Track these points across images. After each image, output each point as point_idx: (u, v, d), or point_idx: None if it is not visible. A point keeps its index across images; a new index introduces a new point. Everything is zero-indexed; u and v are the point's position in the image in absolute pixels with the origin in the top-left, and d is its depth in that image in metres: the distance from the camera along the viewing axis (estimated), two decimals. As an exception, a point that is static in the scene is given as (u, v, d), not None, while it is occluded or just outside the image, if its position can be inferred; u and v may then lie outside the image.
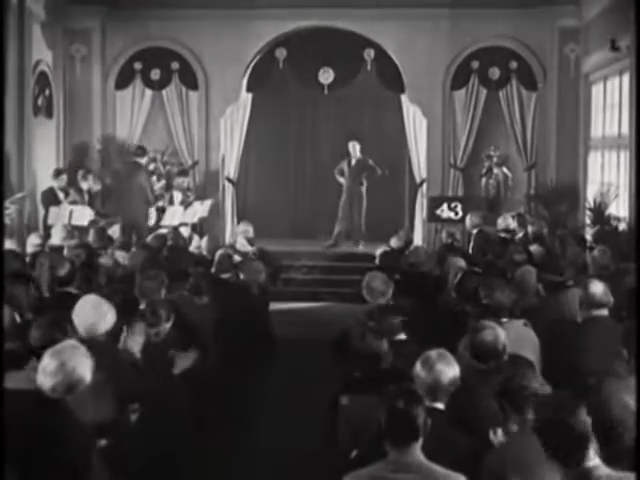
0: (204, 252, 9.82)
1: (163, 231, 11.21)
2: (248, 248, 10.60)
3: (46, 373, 3.95)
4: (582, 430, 3.15)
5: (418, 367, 4.30)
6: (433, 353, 4.36)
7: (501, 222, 11.53)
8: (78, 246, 8.87)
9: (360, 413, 4.44)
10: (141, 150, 13.49)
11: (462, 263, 7.84)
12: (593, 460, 3.19)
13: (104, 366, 4.74)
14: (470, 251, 10.98)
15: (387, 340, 5.07)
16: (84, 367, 4.01)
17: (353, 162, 15.12)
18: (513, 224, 11.44)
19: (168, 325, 5.96)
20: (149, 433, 5.04)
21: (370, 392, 4.40)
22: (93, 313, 5.20)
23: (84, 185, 12.82)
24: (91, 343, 4.81)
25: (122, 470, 4.59)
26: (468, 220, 11.87)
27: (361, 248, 14.69)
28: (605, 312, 5.83)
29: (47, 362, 3.99)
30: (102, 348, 4.97)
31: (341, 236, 15.15)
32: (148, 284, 6.63)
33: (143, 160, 13.44)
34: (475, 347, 4.72)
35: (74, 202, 12.25)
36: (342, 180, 15.20)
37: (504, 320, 5.55)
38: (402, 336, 5.46)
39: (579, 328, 5.83)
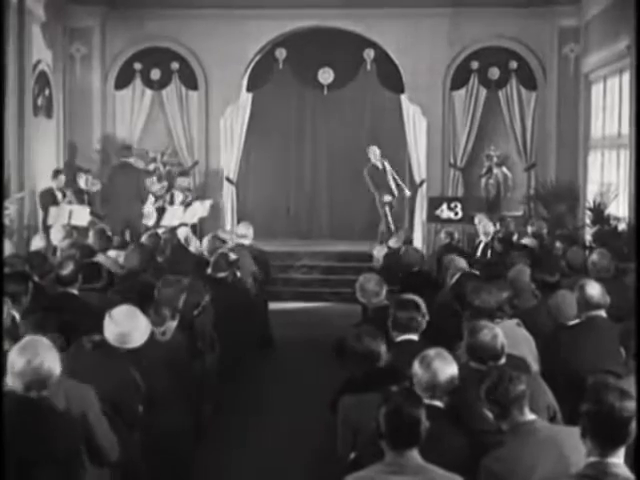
0: (205, 252, 9.81)
1: (158, 230, 11.18)
2: (245, 241, 10.54)
3: (15, 373, 3.88)
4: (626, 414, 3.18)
5: (416, 365, 4.33)
6: (431, 351, 4.40)
7: (481, 226, 11.51)
8: (72, 246, 8.85)
9: (359, 413, 4.44)
10: (127, 150, 13.48)
11: (463, 263, 7.85)
12: (618, 457, 3.20)
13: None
14: (479, 253, 11.01)
15: (384, 340, 5.09)
16: (51, 360, 3.96)
17: (380, 165, 14.91)
18: (492, 227, 11.44)
19: (174, 323, 5.94)
20: (149, 434, 5.04)
21: (370, 392, 4.40)
22: (127, 323, 5.01)
23: (82, 185, 12.81)
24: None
25: (121, 469, 4.60)
26: (477, 221, 11.86)
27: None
28: (602, 313, 5.83)
29: (13, 361, 3.90)
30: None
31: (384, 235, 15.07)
32: (168, 291, 6.58)
33: (131, 159, 13.41)
34: (473, 348, 4.73)
35: (71, 202, 12.25)
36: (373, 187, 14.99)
37: (497, 321, 5.55)
38: (406, 336, 5.46)
39: (577, 329, 5.83)
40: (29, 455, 3.78)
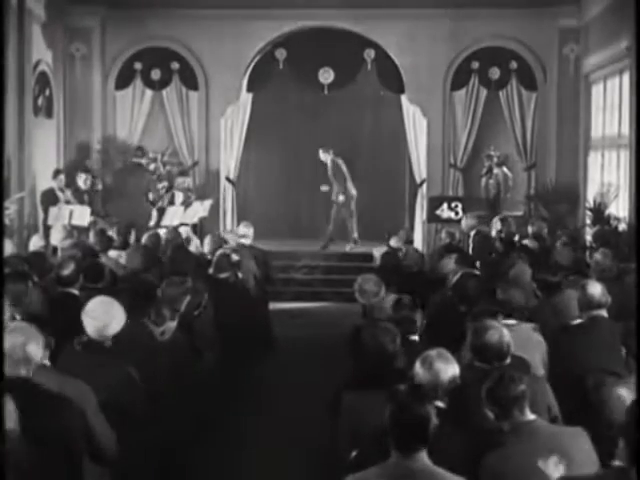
0: (205, 252, 9.81)
1: (159, 230, 11.17)
2: (245, 241, 10.53)
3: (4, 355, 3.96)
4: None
5: (417, 365, 4.33)
6: (433, 352, 4.39)
7: (492, 225, 11.54)
8: (73, 245, 8.84)
9: (361, 412, 4.44)
10: (140, 151, 13.48)
11: (451, 264, 7.83)
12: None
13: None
14: (470, 252, 11.00)
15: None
16: (34, 341, 4.03)
17: (329, 167, 15.30)
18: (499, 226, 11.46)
19: (174, 324, 5.94)
20: (149, 433, 5.04)
21: (372, 391, 4.40)
22: (104, 315, 5.01)
23: (82, 185, 12.81)
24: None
25: (122, 468, 4.60)
26: (464, 222, 11.90)
27: (350, 248, 14.75)
28: (604, 312, 5.82)
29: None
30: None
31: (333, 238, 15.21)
32: (172, 292, 6.56)
33: (143, 160, 13.43)
34: (479, 348, 4.70)
35: (68, 202, 12.24)
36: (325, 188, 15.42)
37: (513, 322, 5.53)
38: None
39: (578, 329, 5.83)
40: (27, 435, 3.79)
